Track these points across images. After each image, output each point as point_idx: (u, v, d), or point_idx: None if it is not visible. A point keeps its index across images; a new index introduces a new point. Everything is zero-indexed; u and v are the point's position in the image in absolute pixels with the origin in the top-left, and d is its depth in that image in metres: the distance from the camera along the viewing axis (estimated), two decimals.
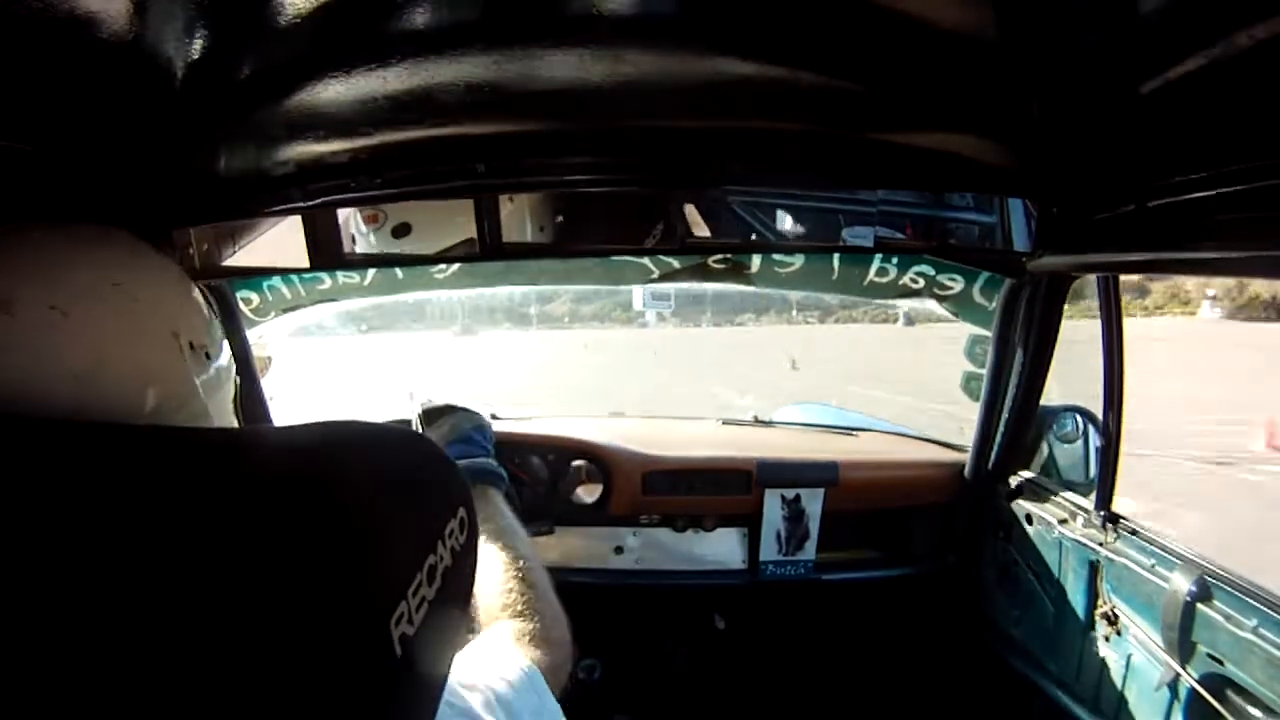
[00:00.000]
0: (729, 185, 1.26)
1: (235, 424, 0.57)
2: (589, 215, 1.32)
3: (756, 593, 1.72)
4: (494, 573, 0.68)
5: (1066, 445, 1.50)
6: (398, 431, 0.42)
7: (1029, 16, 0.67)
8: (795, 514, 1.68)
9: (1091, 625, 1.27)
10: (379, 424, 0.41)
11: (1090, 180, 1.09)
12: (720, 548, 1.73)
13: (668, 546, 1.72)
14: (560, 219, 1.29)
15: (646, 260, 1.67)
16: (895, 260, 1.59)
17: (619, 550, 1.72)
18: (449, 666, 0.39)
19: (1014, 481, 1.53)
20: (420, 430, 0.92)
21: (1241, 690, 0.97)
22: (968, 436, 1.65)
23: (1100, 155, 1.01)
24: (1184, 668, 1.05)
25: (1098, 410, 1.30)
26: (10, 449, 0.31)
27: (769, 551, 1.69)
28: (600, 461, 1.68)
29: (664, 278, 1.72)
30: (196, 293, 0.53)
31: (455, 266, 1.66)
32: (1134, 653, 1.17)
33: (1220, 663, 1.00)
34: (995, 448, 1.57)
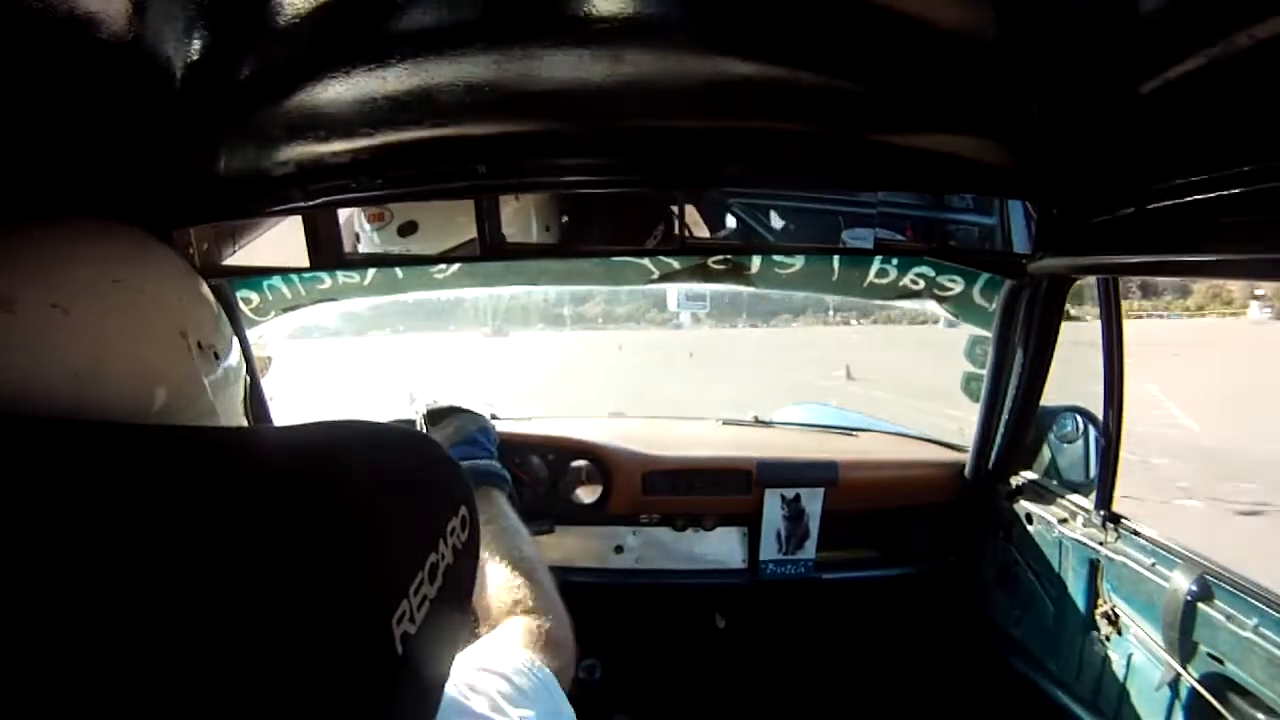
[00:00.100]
0: (729, 185, 1.26)
1: (245, 423, 0.56)
2: (590, 216, 1.32)
3: (756, 592, 1.72)
4: (500, 571, 0.68)
5: (1067, 445, 1.50)
6: (399, 431, 0.42)
7: (1029, 17, 0.67)
8: (795, 514, 1.68)
9: (1092, 625, 1.27)
10: (380, 423, 0.41)
11: (1090, 182, 1.09)
12: (720, 547, 1.73)
13: (668, 546, 1.72)
14: (565, 219, 1.29)
15: (646, 261, 1.67)
16: (895, 262, 1.59)
17: (619, 550, 1.72)
18: (450, 665, 0.39)
19: (1014, 481, 1.53)
20: (424, 431, 0.92)
21: (1242, 690, 0.97)
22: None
23: (1100, 156, 1.01)
24: (1184, 667, 1.05)
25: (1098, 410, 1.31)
26: (9, 448, 0.31)
27: (769, 551, 1.69)
28: (600, 461, 1.68)
29: (664, 278, 1.72)
30: (205, 290, 0.52)
31: (455, 267, 1.65)
32: (1134, 652, 1.18)
33: (1221, 662, 1.00)
34: (995, 448, 1.58)
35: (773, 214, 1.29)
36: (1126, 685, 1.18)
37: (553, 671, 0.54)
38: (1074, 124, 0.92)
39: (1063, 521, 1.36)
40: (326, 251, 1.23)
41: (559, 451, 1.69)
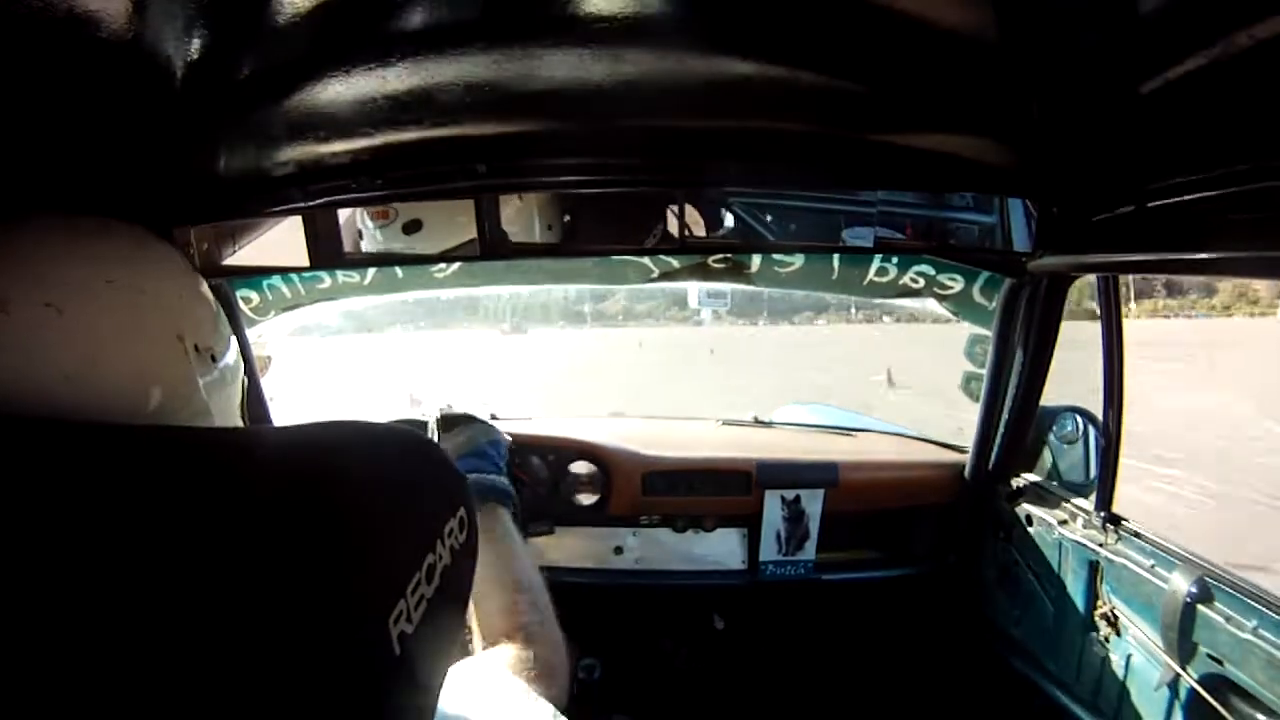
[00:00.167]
0: (729, 185, 1.26)
1: (240, 424, 0.56)
2: (590, 215, 1.32)
3: (756, 593, 1.72)
4: (501, 594, 0.67)
5: (1067, 446, 1.50)
6: (397, 431, 0.42)
7: (1029, 17, 0.67)
8: (795, 514, 1.68)
9: (1092, 626, 1.27)
10: (378, 424, 0.41)
11: (1090, 180, 1.09)
12: (720, 548, 1.73)
13: (667, 547, 1.72)
14: (567, 218, 1.29)
15: (646, 260, 1.67)
16: (895, 260, 1.59)
17: (619, 550, 1.72)
18: (447, 664, 0.39)
19: (1014, 482, 1.53)
20: (436, 437, 0.91)
21: (1241, 691, 0.97)
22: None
23: (1100, 155, 1.01)
24: (1184, 668, 1.04)
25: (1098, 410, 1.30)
26: (1, 448, 0.31)
27: (769, 552, 1.69)
28: (600, 462, 1.68)
29: (664, 277, 1.72)
30: (205, 290, 0.52)
31: (455, 266, 1.66)
32: (1134, 653, 1.17)
33: (1220, 663, 1.00)
34: (995, 448, 1.57)
35: (773, 213, 1.29)
36: (1126, 686, 1.18)
37: (549, 700, 0.54)
38: (1074, 123, 0.92)
39: (1063, 523, 1.36)
40: (326, 251, 1.23)
41: (559, 452, 1.69)
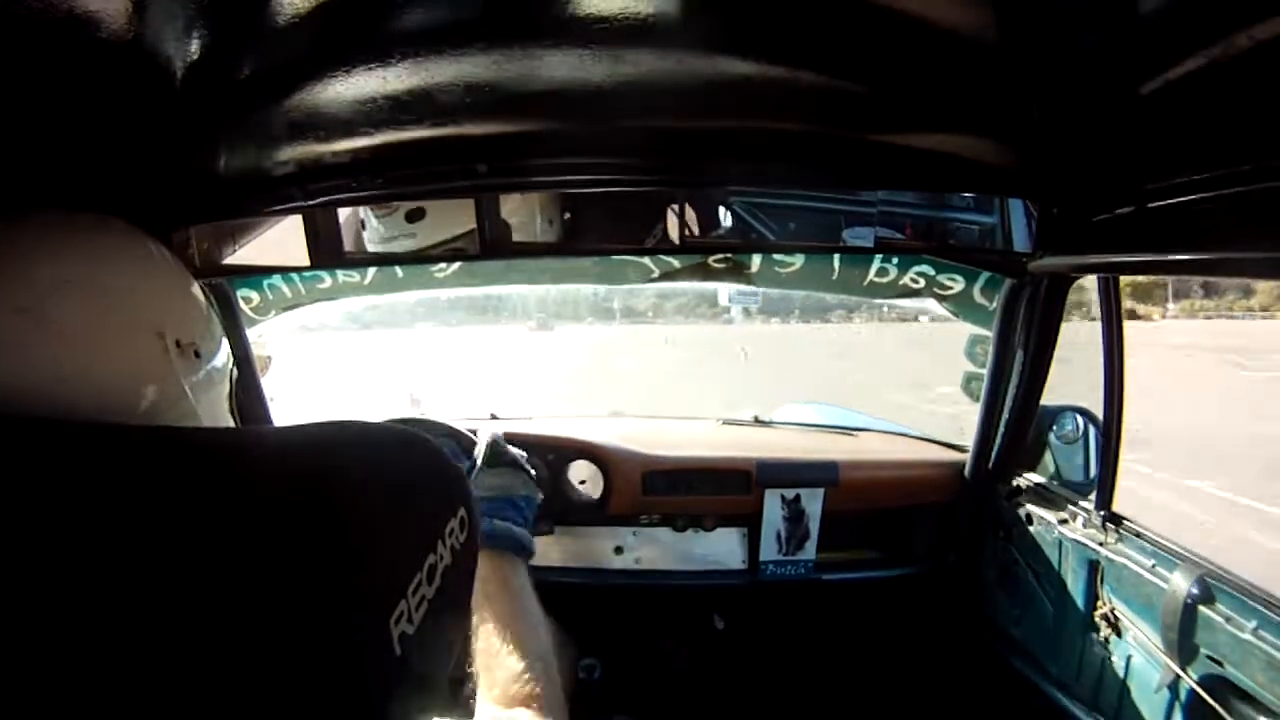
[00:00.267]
0: (729, 185, 1.26)
1: (230, 424, 0.55)
2: (591, 215, 1.32)
3: (756, 593, 1.72)
4: (515, 660, 0.65)
5: (1067, 445, 1.50)
6: (397, 432, 0.42)
7: (1029, 17, 0.67)
8: (795, 514, 1.67)
9: (1092, 626, 1.27)
10: (378, 424, 0.41)
11: (1090, 181, 1.09)
12: (720, 548, 1.73)
13: (667, 546, 1.72)
14: (568, 216, 1.29)
15: (647, 260, 1.67)
16: (895, 260, 1.58)
17: (619, 550, 1.72)
18: (448, 665, 0.39)
19: (1015, 481, 1.53)
20: (479, 464, 0.88)
21: (1242, 692, 0.97)
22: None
23: (1100, 156, 1.01)
24: (1184, 669, 1.04)
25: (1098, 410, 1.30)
26: None
27: (769, 551, 1.69)
28: (600, 461, 1.68)
29: (664, 277, 1.72)
30: (191, 287, 0.51)
31: (455, 265, 1.66)
32: (1134, 654, 1.17)
33: (1220, 664, 1.00)
34: (995, 448, 1.57)
35: (773, 213, 1.29)
36: (1126, 687, 1.18)
37: None
38: (1074, 123, 0.92)
39: (1063, 522, 1.36)
40: (327, 250, 1.23)
41: (559, 451, 1.69)
